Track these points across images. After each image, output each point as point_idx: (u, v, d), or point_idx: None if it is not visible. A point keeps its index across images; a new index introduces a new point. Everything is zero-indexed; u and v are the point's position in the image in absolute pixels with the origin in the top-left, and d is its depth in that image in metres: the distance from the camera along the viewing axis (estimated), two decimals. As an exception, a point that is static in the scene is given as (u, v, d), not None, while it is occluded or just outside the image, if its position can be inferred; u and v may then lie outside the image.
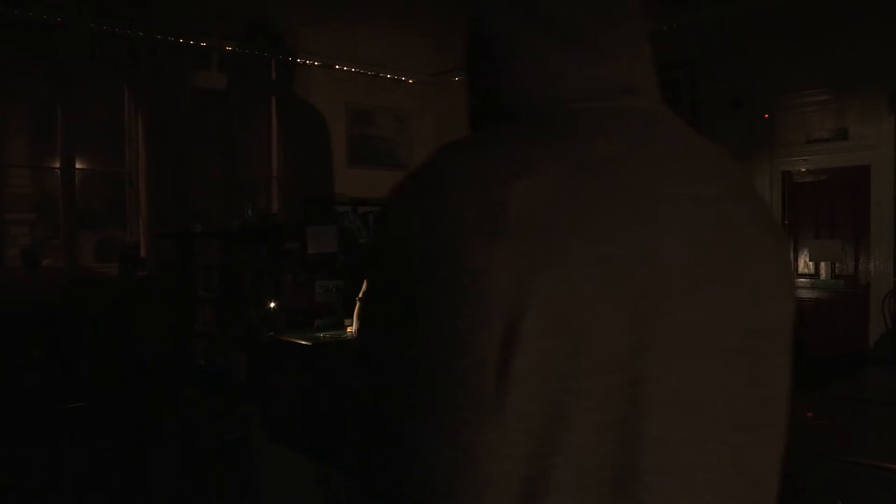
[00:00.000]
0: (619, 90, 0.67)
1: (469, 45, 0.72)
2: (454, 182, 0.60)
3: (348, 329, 4.12)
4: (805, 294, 6.22)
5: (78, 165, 5.93)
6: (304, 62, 6.78)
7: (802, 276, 6.23)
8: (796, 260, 6.24)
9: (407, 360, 0.59)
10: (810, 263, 6.17)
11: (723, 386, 0.60)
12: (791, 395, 0.68)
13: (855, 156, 5.74)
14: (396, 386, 0.60)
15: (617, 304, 0.56)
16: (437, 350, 0.57)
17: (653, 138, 0.65)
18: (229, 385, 4.82)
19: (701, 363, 0.59)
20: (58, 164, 5.85)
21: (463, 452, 0.55)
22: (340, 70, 6.75)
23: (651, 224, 0.59)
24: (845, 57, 5.63)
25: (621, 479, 0.56)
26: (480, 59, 0.71)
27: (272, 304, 4.58)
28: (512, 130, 0.64)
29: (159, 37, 5.91)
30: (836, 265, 6.03)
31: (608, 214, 0.57)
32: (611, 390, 0.55)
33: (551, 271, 0.55)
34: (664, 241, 0.59)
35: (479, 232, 0.56)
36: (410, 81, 7.35)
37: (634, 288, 0.56)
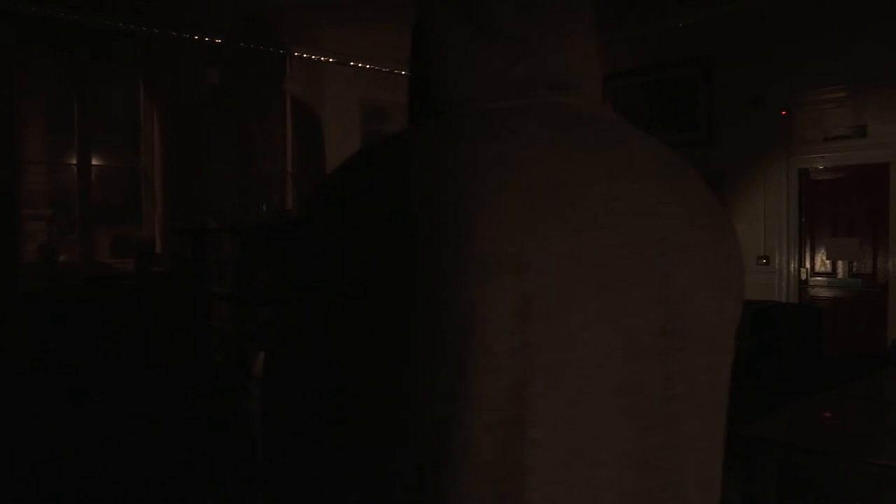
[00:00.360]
0: (544, 87, 0.66)
1: (412, 40, 0.73)
2: (352, 191, 0.62)
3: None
4: (822, 293, 6.18)
5: (94, 162, 5.98)
6: (319, 59, 6.80)
7: (819, 274, 6.19)
8: (813, 258, 6.20)
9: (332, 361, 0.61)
10: (827, 262, 6.13)
11: (630, 387, 0.59)
12: (728, 396, 0.68)
13: (874, 153, 5.69)
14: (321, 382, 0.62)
15: (501, 308, 0.56)
16: (351, 352, 0.60)
17: (573, 135, 0.64)
18: (243, 381, 4.85)
19: (601, 364, 0.58)
20: (74, 161, 5.89)
21: (378, 441, 0.58)
22: (355, 67, 6.76)
23: (550, 224, 0.58)
24: (864, 53, 5.57)
25: (506, 479, 0.56)
26: (417, 54, 0.71)
27: (286, 300, 4.58)
28: (427, 130, 0.65)
29: (174, 33, 5.94)
30: (854, 264, 5.98)
31: (501, 216, 0.57)
32: (496, 391, 0.56)
33: (437, 276, 0.56)
34: (562, 242, 0.58)
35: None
36: (425, 78, 7.33)
37: (521, 290, 0.56)
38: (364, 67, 6.77)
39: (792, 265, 6.25)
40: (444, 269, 0.56)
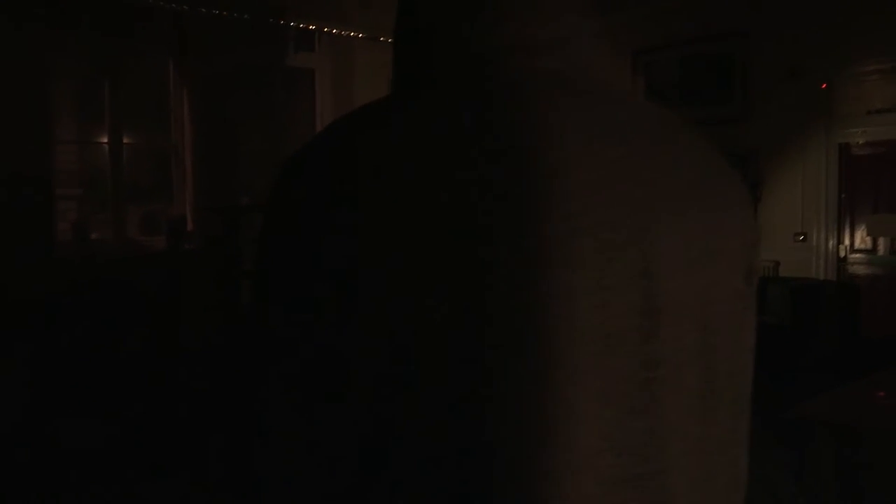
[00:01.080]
0: (519, 52, 0.62)
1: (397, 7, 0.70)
2: (294, 187, 0.62)
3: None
4: (861, 270, 6.07)
5: (125, 140, 6.00)
6: (349, 34, 6.74)
7: (859, 251, 6.08)
8: (853, 235, 6.07)
9: None
10: (867, 238, 6.02)
11: (606, 368, 0.55)
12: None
13: (918, 127, 5.56)
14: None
15: (455, 279, 0.53)
16: None
17: (545, 101, 0.59)
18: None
19: (571, 343, 0.54)
20: (105, 140, 5.91)
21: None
22: (385, 42, 6.68)
23: (506, 195, 0.54)
24: (910, 23, 5.42)
25: (467, 461, 0.54)
26: (398, 22, 0.68)
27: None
28: (391, 105, 0.63)
29: (204, 10, 5.90)
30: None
31: (455, 191, 0.54)
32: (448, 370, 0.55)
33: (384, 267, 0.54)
34: (520, 212, 0.54)
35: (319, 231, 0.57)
36: (454, 54, 7.26)
37: (476, 261, 0.53)
38: (394, 43, 6.70)
39: (830, 242, 6.13)
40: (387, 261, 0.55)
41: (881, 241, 5.96)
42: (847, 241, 6.11)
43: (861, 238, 6.05)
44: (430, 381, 0.53)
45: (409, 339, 0.53)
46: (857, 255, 6.09)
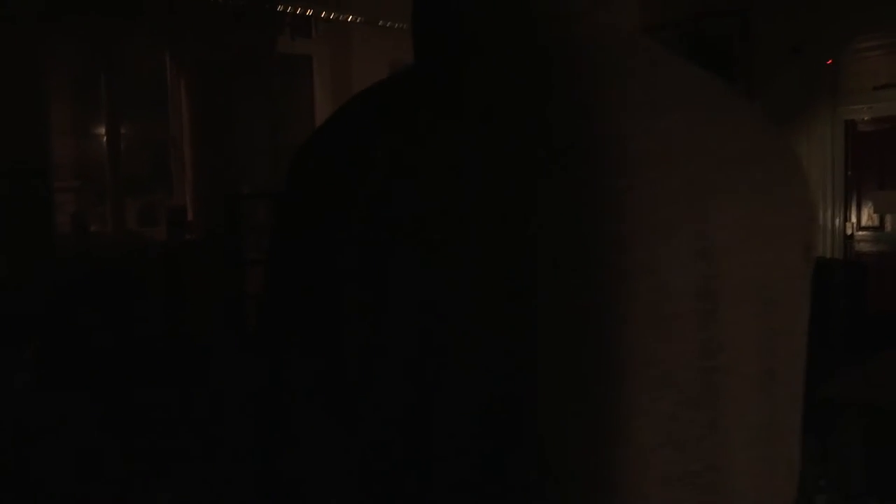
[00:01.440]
0: (551, 20, 0.58)
1: None
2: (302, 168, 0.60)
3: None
4: (868, 248, 6.04)
5: (122, 131, 5.94)
6: (346, 18, 6.66)
7: (866, 228, 6.05)
8: (859, 212, 6.04)
9: None
10: (874, 216, 5.99)
11: (661, 356, 0.51)
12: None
13: (927, 102, 5.52)
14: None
15: (488, 265, 0.51)
16: None
17: (584, 71, 0.55)
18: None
19: (624, 330, 0.50)
20: (102, 131, 5.85)
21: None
22: (384, 26, 6.61)
23: (550, 171, 0.50)
24: (917, -4, 5.36)
25: (510, 459, 0.51)
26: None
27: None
28: (418, 82, 0.58)
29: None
30: (903, 217, 5.84)
31: (488, 169, 0.51)
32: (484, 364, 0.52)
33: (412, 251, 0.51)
34: (565, 189, 0.50)
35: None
36: (453, 37, 7.20)
37: (513, 245, 0.51)
38: (393, 26, 6.61)
39: (837, 220, 6.10)
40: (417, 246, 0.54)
41: (888, 218, 5.94)
42: (854, 219, 6.09)
43: (868, 215, 6.03)
44: (468, 368, 0.50)
45: (446, 324, 0.50)
46: (864, 233, 6.07)
